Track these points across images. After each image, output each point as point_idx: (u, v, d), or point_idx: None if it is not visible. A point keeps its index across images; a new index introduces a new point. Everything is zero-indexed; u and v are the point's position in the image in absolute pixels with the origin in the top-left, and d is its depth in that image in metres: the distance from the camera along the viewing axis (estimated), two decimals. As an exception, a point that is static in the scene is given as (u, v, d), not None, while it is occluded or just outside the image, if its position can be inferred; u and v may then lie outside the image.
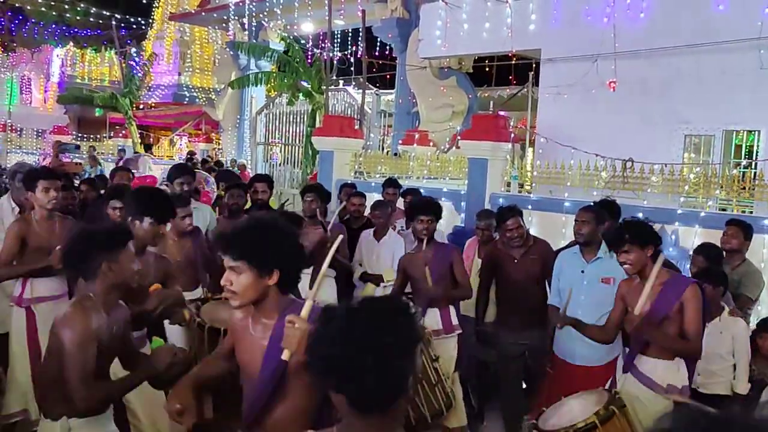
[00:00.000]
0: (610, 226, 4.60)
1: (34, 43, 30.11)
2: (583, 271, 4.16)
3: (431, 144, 12.85)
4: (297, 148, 15.18)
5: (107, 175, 8.27)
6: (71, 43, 29.19)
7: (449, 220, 7.44)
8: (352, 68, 16.75)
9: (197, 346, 3.60)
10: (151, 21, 27.58)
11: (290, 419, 2.23)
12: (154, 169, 15.01)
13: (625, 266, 3.37)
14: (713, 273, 4.09)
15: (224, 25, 21.17)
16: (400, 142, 13.39)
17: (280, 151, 15.97)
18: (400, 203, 6.52)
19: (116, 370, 2.93)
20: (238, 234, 2.21)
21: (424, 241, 4.50)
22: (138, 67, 24.67)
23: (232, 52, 20.31)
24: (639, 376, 3.37)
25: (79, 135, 24.57)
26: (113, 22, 23.99)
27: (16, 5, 30.86)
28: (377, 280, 5.31)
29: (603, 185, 6.54)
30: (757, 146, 8.70)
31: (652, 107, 9.11)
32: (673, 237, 5.71)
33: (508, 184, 7.50)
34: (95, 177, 8.86)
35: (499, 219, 4.66)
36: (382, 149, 14.88)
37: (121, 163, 13.38)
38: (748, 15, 8.07)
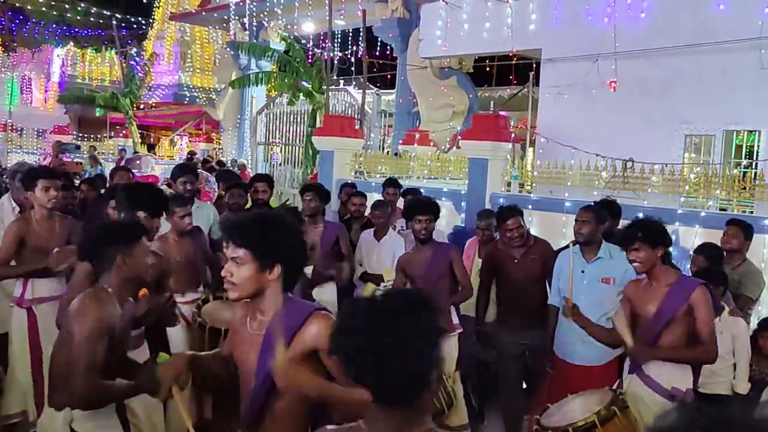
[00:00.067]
0: (611, 226, 4.62)
1: (34, 43, 30.10)
2: (583, 271, 4.15)
3: (431, 144, 12.84)
4: (297, 148, 15.19)
5: (107, 175, 8.27)
6: (72, 43, 29.17)
7: (450, 220, 7.44)
8: (353, 68, 16.78)
9: (198, 346, 3.60)
10: (151, 21, 27.58)
11: (289, 418, 2.22)
12: (156, 168, 15.04)
13: (635, 264, 3.35)
14: (713, 273, 4.09)
15: (225, 25, 21.17)
16: (401, 141, 13.38)
17: (281, 151, 15.98)
18: (401, 203, 6.51)
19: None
20: (244, 222, 2.21)
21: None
22: (138, 67, 24.70)
23: (232, 52, 20.29)
24: (644, 377, 3.36)
25: (80, 135, 24.53)
26: (114, 22, 24.04)
27: (17, 5, 30.85)
28: (377, 280, 5.30)
29: (603, 185, 6.54)
30: (758, 146, 8.69)
31: (653, 107, 9.10)
32: (674, 237, 5.71)
33: (509, 184, 7.50)
34: (95, 177, 8.86)
35: (499, 219, 4.65)
36: (383, 149, 14.88)
37: (122, 163, 13.40)
38: (748, 15, 8.07)
